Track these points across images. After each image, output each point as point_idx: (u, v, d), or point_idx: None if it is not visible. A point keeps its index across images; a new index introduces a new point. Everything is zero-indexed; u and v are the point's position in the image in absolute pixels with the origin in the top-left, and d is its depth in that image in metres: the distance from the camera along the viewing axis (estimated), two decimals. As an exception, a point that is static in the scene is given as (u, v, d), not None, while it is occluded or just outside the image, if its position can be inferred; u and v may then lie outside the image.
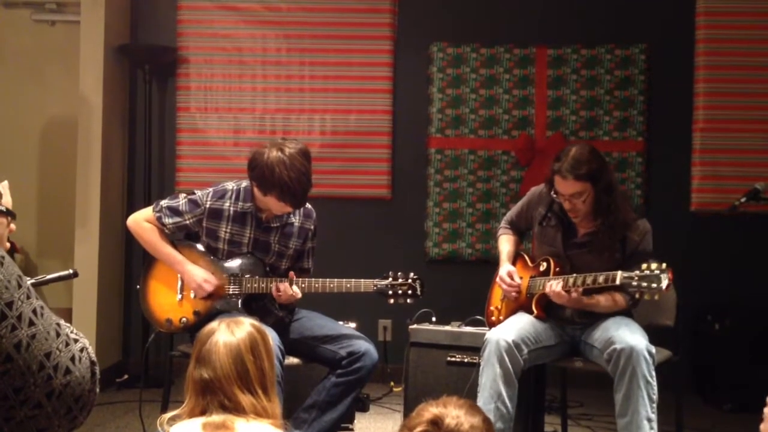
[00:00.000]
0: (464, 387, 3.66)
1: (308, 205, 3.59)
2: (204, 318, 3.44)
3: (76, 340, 1.30)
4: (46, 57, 5.62)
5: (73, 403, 1.25)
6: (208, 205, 3.51)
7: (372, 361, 3.45)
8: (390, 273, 3.52)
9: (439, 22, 5.50)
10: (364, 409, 4.65)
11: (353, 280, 3.48)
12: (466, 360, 3.99)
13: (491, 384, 3.34)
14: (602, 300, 3.45)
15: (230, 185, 3.56)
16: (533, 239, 3.77)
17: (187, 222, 3.53)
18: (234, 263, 3.53)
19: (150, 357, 4.64)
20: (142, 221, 3.56)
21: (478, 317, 4.02)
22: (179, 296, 3.55)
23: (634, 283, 3.21)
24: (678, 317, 3.69)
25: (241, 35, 5.49)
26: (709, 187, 5.31)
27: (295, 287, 3.44)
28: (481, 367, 3.41)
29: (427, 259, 5.42)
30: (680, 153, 5.37)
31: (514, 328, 3.43)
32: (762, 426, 1.67)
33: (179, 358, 3.60)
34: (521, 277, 3.64)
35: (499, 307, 3.72)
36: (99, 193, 5.15)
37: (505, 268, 3.68)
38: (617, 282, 3.27)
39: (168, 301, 3.57)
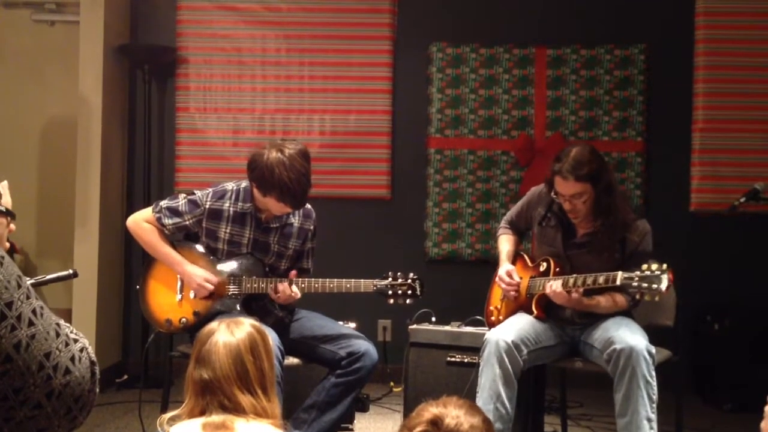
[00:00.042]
0: (464, 387, 3.66)
1: (308, 206, 3.59)
2: (204, 318, 3.44)
3: (75, 340, 1.30)
4: (46, 57, 5.62)
5: (72, 403, 1.25)
6: (207, 206, 3.51)
7: (372, 361, 3.45)
8: (390, 273, 3.52)
9: (438, 22, 5.50)
10: (364, 409, 4.65)
11: (353, 280, 3.48)
12: (465, 360, 3.99)
13: (490, 384, 3.34)
14: (603, 301, 3.45)
15: (230, 186, 3.56)
16: (533, 239, 3.77)
17: (187, 222, 3.53)
18: (233, 263, 3.53)
19: (150, 357, 4.64)
20: (141, 222, 3.56)
21: (478, 317, 4.02)
22: (179, 296, 3.55)
23: (635, 284, 3.21)
24: (678, 317, 3.69)
25: (240, 35, 5.49)
26: (709, 187, 5.31)
27: (294, 287, 3.44)
28: (480, 368, 3.41)
29: (426, 259, 5.42)
30: (680, 153, 5.37)
31: (513, 329, 3.43)
32: (763, 424, 1.67)
33: (179, 358, 3.60)
34: (521, 277, 3.64)
35: (499, 307, 3.72)
36: (99, 193, 5.15)
37: (505, 267, 3.68)
38: (618, 282, 3.27)
39: (168, 301, 3.57)
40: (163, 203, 3.55)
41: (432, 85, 5.45)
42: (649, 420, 3.25)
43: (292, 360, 3.49)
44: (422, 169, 5.47)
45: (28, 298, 1.23)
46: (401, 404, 4.33)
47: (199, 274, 3.48)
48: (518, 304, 3.63)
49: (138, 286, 3.66)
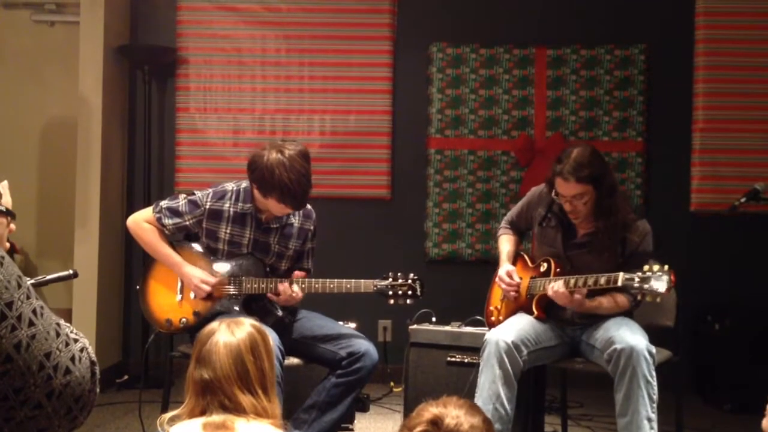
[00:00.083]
0: (464, 387, 3.65)
1: (308, 206, 3.59)
2: (204, 318, 3.44)
3: (76, 340, 1.30)
4: (46, 57, 5.62)
5: (73, 403, 1.25)
6: (207, 206, 3.51)
7: (372, 361, 3.45)
8: (390, 273, 3.52)
9: (438, 22, 5.50)
10: (364, 409, 4.65)
11: (353, 280, 3.48)
12: (466, 360, 3.99)
13: (490, 385, 3.34)
14: (604, 302, 3.44)
15: (230, 186, 3.56)
16: (533, 240, 3.76)
17: (187, 223, 3.53)
18: (234, 264, 3.53)
19: (150, 357, 4.63)
20: (141, 222, 3.56)
21: (478, 317, 4.02)
22: (179, 297, 3.55)
23: (636, 285, 3.21)
24: (678, 317, 3.69)
25: (240, 36, 5.49)
26: (709, 187, 5.31)
27: (296, 287, 3.44)
28: (480, 368, 3.41)
29: (426, 260, 5.42)
30: (680, 153, 5.37)
31: (513, 329, 3.43)
32: (764, 422, 1.68)
33: (179, 358, 3.60)
34: (521, 278, 3.64)
35: (499, 307, 3.71)
36: (99, 193, 5.15)
37: (505, 267, 3.68)
38: (619, 283, 3.26)
39: (168, 301, 3.57)
40: (164, 203, 3.55)
41: (432, 85, 5.45)
42: (650, 420, 3.25)
43: (292, 360, 3.49)
44: (422, 169, 5.47)
45: (28, 298, 1.23)
46: (401, 404, 4.33)
47: (197, 275, 3.48)
48: (518, 304, 3.63)
49: (138, 287, 3.66)
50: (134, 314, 5.38)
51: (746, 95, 5.31)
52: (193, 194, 3.55)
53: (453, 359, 4.03)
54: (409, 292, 3.51)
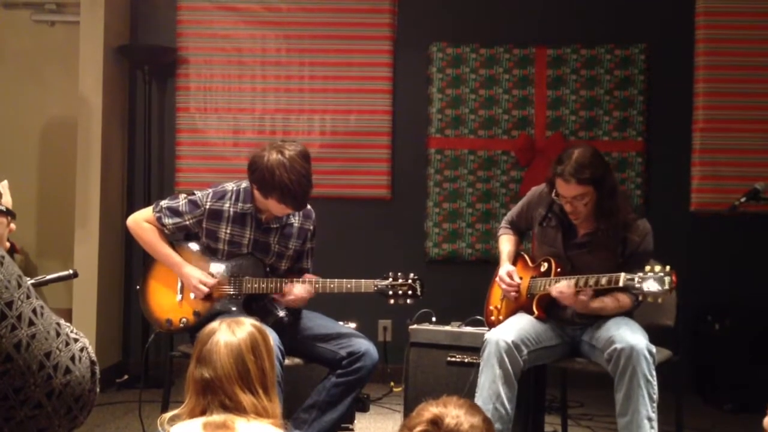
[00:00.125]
0: (464, 387, 3.66)
1: (308, 206, 3.59)
2: (204, 318, 3.44)
3: (76, 340, 1.30)
4: (46, 57, 5.62)
5: (73, 402, 1.25)
6: (208, 206, 3.51)
7: (372, 361, 3.45)
8: (390, 273, 3.52)
9: (438, 22, 5.50)
10: (364, 409, 4.65)
11: (353, 280, 3.48)
12: (466, 360, 3.99)
13: (490, 385, 3.34)
14: (609, 303, 3.43)
15: (230, 186, 3.56)
16: (533, 239, 3.76)
17: (187, 223, 3.53)
18: (234, 264, 3.53)
19: (150, 357, 4.64)
20: (141, 221, 3.56)
21: (478, 317, 4.02)
22: (179, 297, 3.55)
23: (638, 285, 3.21)
24: (678, 317, 3.69)
25: (240, 36, 5.49)
26: (709, 187, 5.31)
27: (299, 286, 3.44)
28: (480, 368, 3.41)
29: (427, 260, 5.42)
30: (680, 153, 5.37)
31: (514, 329, 3.43)
32: (765, 420, 1.67)
33: (179, 358, 3.60)
34: (521, 278, 3.64)
35: (499, 306, 3.71)
36: (99, 193, 5.15)
37: (505, 267, 3.68)
38: (620, 284, 3.26)
39: (168, 301, 3.57)
40: (164, 203, 3.55)
41: (432, 85, 5.45)
42: (650, 419, 3.25)
43: (292, 360, 3.49)
44: (422, 169, 5.47)
45: (28, 297, 1.23)
46: (401, 404, 4.33)
47: (196, 275, 3.48)
48: (519, 304, 3.63)
49: (138, 286, 3.66)
50: (134, 314, 5.38)
51: (746, 95, 5.31)
52: (193, 194, 3.55)
53: (453, 359, 4.03)
54: (409, 292, 3.52)
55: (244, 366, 2.08)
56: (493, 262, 3.91)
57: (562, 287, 3.39)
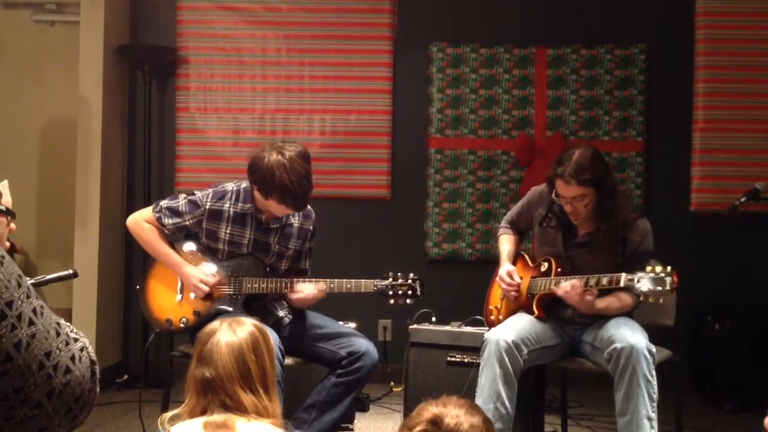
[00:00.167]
0: (464, 387, 3.66)
1: (308, 206, 3.59)
2: (204, 318, 3.44)
3: (76, 340, 1.30)
4: (46, 57, 5.62)
5: (73, 402, 1.25)
6: (207, 206, 3.51)
7: (372, 360, 3.45)
8: (390, 273, 3.52)
9: (438, 22, 5.50)
10: (364, 409, 4.65)
11: (353, 280, 3.48)
12: (466, 360, 3.98)
13: (490, 384, 3.34)
14: (614, 303, 3.43)
15: (230, 186, 3.56)
16: (533, 239, 3.76)
17: (187, 223, 3.53)
18: (234, 264, 3.53)
19: (150, 357, 4.64)
20: (141, 221, 3.56)
21: (478, 317, 4.02)
22: (179, 297, 3.55)
23: (639, 286, 3.21)
24: (678, 317, 3.69)
25: (240, 35, 5.49)
26: (709, 187, 5.31)
27: (310, 286, 3.44)
28: (480, 368, 3.41)
29: (427, 259, 5.42)
30: (680, 153, 5.37)
31: (514, 329, 3.43)
32: (766, 420, 1.68)
33: (179, 358, 3.60)
34: (521, 277, 3.64)
35: (499, 306, 3.71)
36: (99, 193, 5.16)
37: (505, 267, 3.68)
38: (621, 284, 3.27)
39: (168, 301, 3.57)
40: (164, 203, 3.55)
41: (432, 85, 5.45)
42: (650, 419, 3.25)
43: (292, 360, 3.49)
44: (422, 169, 5.47)
45: (28, 297, 1.23)
46: (401, 404, 4.33)
47: (196, 275, 3.48)
48: (519, 303, 3.63)
49: (138, 286, 3.66)
50: (134, 314, 5.38)
51: (746, 95, 5.31)
52: (193, 194, 3.55)
53: (453, 359, 4.03)
54: (409, 292, 3.52)
55: (245, 365, 2.08)
56: (493, 262, 3.91)
57: (568, 287, 3.37)
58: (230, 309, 3.45)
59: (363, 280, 3.49)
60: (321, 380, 3.51)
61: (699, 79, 5.34)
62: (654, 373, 3.26)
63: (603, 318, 3.46)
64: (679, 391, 3.63)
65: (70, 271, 2.15)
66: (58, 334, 1.25)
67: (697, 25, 5.34)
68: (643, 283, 3.19)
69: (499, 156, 5.43)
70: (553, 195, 3.47)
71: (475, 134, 5.43)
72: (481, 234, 5.42)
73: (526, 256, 3.72)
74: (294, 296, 3.47)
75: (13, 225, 1.43)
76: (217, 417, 2.01)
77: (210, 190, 3.55)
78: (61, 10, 5.60)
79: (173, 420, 2.07)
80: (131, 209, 4.82)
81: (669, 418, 3.58)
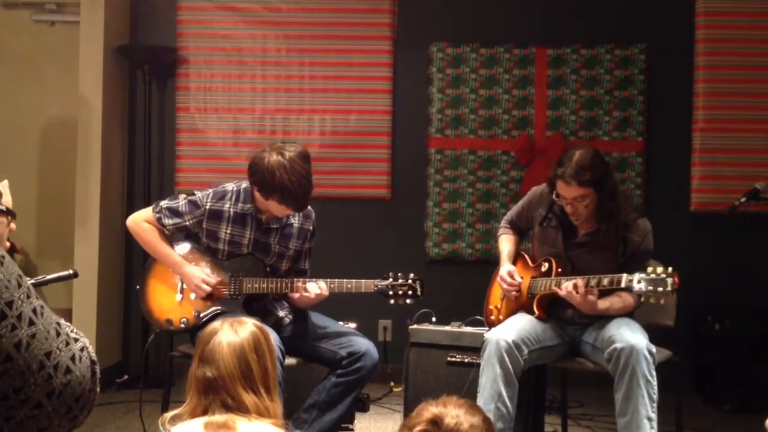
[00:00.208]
0: (464, 387, 3.66)
1: (308, 206, 3.59)
2: (204, 319, 3.44)
3: (76, 340, 1.30)
4: (46, 57, 5.62)
5: (73, 402, 1.25)
6: (208, 207, 3.51)
7: (372, 361, 3.45)
8: (390, 273, 3.52)
9: (439, 22, 5.50)
10: (364, 409, 4.65)
11: (354, 280, 3.48)
12: (466, 360, 3.99)
13: (491, 384, 3.34)
14: (615, 303, 3.42)
15: (230, 186, 3.56)
16: (533, 239, 3.76)
17: (187, 223, 3.52)
18: (234, 264, 3.53)
19: (150, 357, 4.64)
20: (141, 222, 3.56)
21: (478, 317, 4.02)
22: (179, 297, 3.55)
23: (640, 287, 3.21)
24: (678, 317, 3.69)
25: (240, 35, 5.49)
26: (709, 187, 5.31)
27: (314, 285, 3.45)
28: (481, 368, 3.41)
29: (427, 259, 5.42)
30: (680, 153, 5.37)
31: (514, 329, 3.43)
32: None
33: (179, 358, 3.60)
34: (522, 277, 3.64)
35: (499, 306, 3.71)
36: (99, 193, 5.16)
37: (506, 267, 3.68)
38: (622, 285, 3.26)
39: (168, 301, 3.57)
40: (164, 203, 3.55)
41: (432, 85, 5.45)
42: (650, 419, 3.25)
43: (292, 360, 3.49)
44: (422, 169, 5.47)
45: (28, 297, 1.23)
46: (401, 404, 4.33)
47: (197, 275, 3.48)
48: (519, 303, 3.63)
49: (138, 286, 3.66)
50: (134, 314, 5.38)
51: (746, 95, 5.31)
52: (193, 194, 3.55)
53: (453, 359, 4.03)
54: (410, 292, 3.52)
55: (247, 365, 2.08)
56: (493, 262, 3.91)
57: (570, 287, 3.37)
58: (230, 309, 3.44)
59: (363, 280, 3.49)
60: (321, 380, 3.51)
61: (699, 79, 5.34)
62: (654, 373, 3.26)
63: (603, 318, 3.46)
64: (679, 391, 3.63)
65: (70, 271, 2.15)
66: (58, 334, 1.25)
67: (697, 25, 5.34)
68: (644, 283, 3.19)
69: (499, 156, 5.43)
70: (554, 196, 3.47)
71: (475, 134, 5.43)
72: (481, 234, 5.42)
73: (527, 256, 3.72)
74: (298, 295, 3.46)
75: (13, 225, 1.44)
76: (218, 417, 2.01)
77: (210, 191, 3.55)
78: (61, 10, 5.60)
79: (174, 420, 2.07)
80: (131, 209, 4.83)
81: (669, 418, 3.58)
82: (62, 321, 1.29)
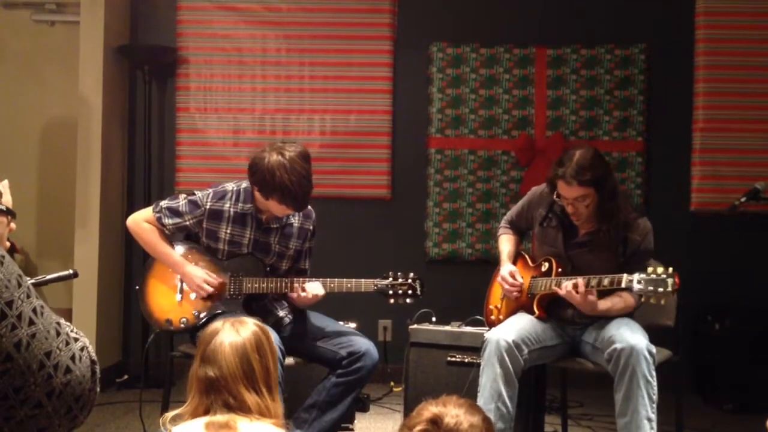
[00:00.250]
0: (464, 387, 3.66)
1: (308, 206, 3.59)
2: (204, 318, 3.45)
3: (76, 339, 1.30)
4: (46, 57, 5.62)
5: (73, 402, 1.25)
6: (208, 206, 3.51)
7: (372, 360, 3.45)
8: (390, 273, 3.52)
9: (439, 22, 5.50)
10: (364, 409, 4.66)
11: (353, 280, 3.48)
12: (466, 360, 3.99)
13: (491, 384, 3.34)
14: (617, 303, 3.42)
15: (230, 186, 3.56)
16: (533, 239, 3.76)
17: (187, 223, 3.52)
18: (234, 264, 3.53)
19: (150, 357, 4.64)
20: (141, 222, 3.56)
21: (478, 317, 4.02)
22: (179, 297, 3.55)
23: (640, 287, 3.21)
24: (678, 317, 3.69)
25: (240, 35, 5.49)
26: (709, 187, 5.31)
27: (314, 285, 3.45)
28: (481, 368, 3.41)
29: (427, 259, 5.42)
30: (680, 153, 5.37)
31: (514, 328, 3.43)
32: (768, 421, 1.68)
33: (180, 358, 3.60)
34: (522, 277, 3.64)
35: (499, 306, 3.71)
36: (99, 193, 5.16)
37: (507, 267, 3.67)
38: (623, 285, 3.26)
39: (168, 301, 3.57)
40: (164, 203, 3.55)
41: (432, 85, 5.45)
42: (650, 420, 3.25)
43: (292, 360, 3.49)
44: (422, 169, 5.47)
45: (28, 297, 1.23)
46: (401, 404, 4.33)
47: (199, 275, 3.48)
48: (519, 303, 3.63)
49: (138, 286, 3.66)
50: (134, 314, 5.38)
51: (746, 95, 5.31)
52: (194, 194, 3.55)
53: (453, 359, 4.03)
54: (410, 292, 3.51)
55: (249, 365, 2.08)
56: (493, 262, 3.91)
57: (570, 287, 3.36)
58: (230, 309, 3.44)
59: (363, 280, 3.49)
60: (321, 380, 3.51)
61: (699, 79, 5.34)
62: (654, 373, 3.26)
63: (603, 318, 3.46)
64: (679, 391, 3.63)
65: (70, 271, 2.15)
66: (58, 333, 1.25)
67: (697, 25, 5.34)
68: (644, 284, 3.19)
69: (499, 156, 5.43)
70: (555, 196, 3.47)
71: (475, 134, 5.43)
72: (481, 234, 5.42)
73: (527, 256, 3.72)
74: (298, 295, 3.46)
75: (13, 225, 1.44)
76: (220, 417, 2.01)
77: (210, 190, 3.55)
78: (61, 10, 5.60)
79: (175, 420, 2.07)
80: (131, 209, 4.83)
81: (669, 418, 3.58)
82: (62, 321, 1.29)
